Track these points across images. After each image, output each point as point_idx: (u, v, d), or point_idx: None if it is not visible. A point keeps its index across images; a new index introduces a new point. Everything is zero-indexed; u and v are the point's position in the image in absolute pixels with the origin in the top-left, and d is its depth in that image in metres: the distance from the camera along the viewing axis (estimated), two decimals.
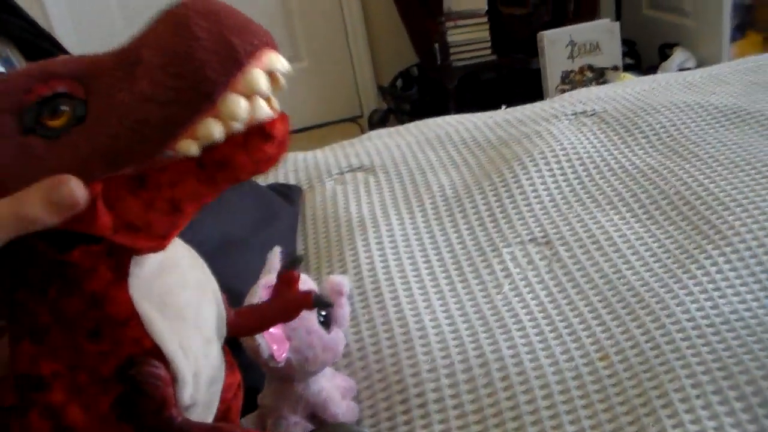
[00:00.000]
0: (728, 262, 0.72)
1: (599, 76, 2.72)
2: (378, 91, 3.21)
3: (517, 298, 0.72)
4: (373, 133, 1.24)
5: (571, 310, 0.69)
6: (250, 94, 0.40)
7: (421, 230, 0.86)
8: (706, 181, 0.86)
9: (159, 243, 0.42)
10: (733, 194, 0.83)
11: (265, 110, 0.41)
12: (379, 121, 2.99)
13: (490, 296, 0.73)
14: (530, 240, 0.81)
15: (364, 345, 0.70)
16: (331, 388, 0.63)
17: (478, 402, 0.60)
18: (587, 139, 0.99)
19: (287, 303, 0.56)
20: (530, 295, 0.72)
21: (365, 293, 0.77)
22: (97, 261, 0.42)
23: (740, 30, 2.76)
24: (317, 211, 0.96)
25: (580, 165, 0.93)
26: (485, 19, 2.80)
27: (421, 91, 3.02)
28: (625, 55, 2.91)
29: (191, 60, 0.38)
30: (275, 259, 0.67)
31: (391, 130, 1.23)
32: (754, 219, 0.78)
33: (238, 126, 0.40)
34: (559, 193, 0.88)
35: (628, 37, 2.96)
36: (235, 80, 0.39)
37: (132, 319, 0.43)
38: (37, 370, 0.42)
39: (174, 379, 0.45)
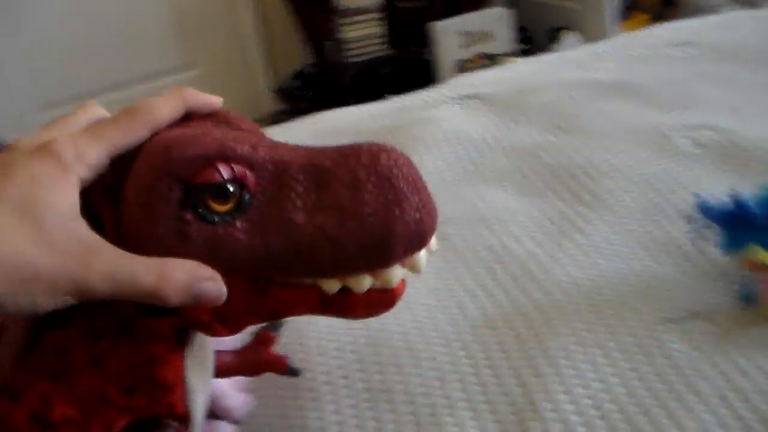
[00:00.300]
0: (609, 225, 0.74)
1: (493, 63, 2.76)
2: (275, 92, 3.19)
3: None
4: (266, 132, 1.22)
5: (459, 286, 0.70)
6: (408, 268, 0.42)
7: None
8: (587, 152, 0.87)
9: (232, 334, 0.42)
10: (613, 162, 0.85)
11: (401, 277, 0.42)
12: (272, 121, 2.97)
13: None
14: None
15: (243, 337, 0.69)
16: (224, 381, 0.62)
17: (368, 381, 0.60)
18: (474, 121, 1.00)
19: (260, 362, 0.57)
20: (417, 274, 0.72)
21: None
22: (172, 328, 0.41)
23: (626, 11, 2.84)
24: None
25: (466, 145, 0.93)
26: (379, 14, 2.81)
27: (318, 89, 3.02)
28: (518, 41, 2.96)
29: (390, 230, 0.38)
30: None
31: (285, 126, 1.22)
32: (634, 183, 0.80)
33: (378, 286, 0.41)
34: (448, 175, 0.89)
35: (521, 23, 3.02)
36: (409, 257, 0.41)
37: (177, 386, 0.42)
38: (49, 412, 0.40)
39: None
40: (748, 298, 0.61)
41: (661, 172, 0.81)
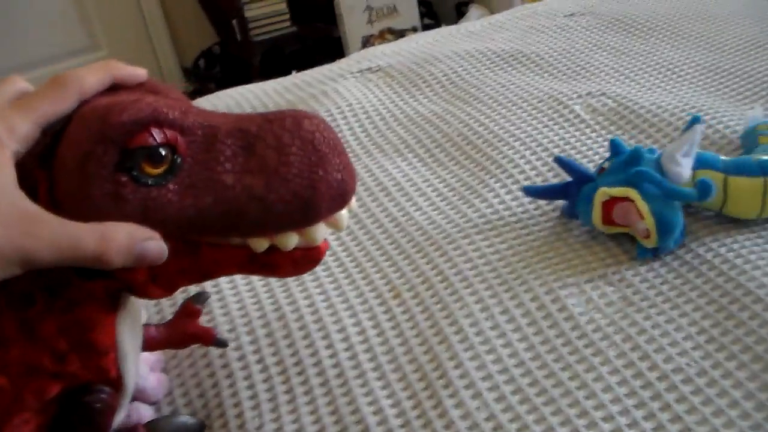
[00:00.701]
0: (509, 192, 0.76)
1: (399, 38, 2.77)
2: (183, 73, 3.15)
3: None
4: None
5: (364, 256, 0.71)
6: (331, 226, 0.44)
7: None
8: (486, 121, 0.89)
9: (168, 294, 0.44)
10: (512, 130, 0.87)
11: (325, 235, 0.44)
12: None
13: None
14: None
15: (165, 316, 0.70)
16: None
17: (278, 354, 0.61)
18: (372, 93, 1.01)
19: (186, 334, 0.58)
20: None
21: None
22: (105, 292, 0.42)
23: None
24: None
25: (366, 117, 0.95)
26: None
27: (225, 69, 2.99)
28: (423, 15, 2.98)
29: (315, 190, 0.40)
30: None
31: None
32: (532, 150, 0.82)
33: (303, 244, 0.43)
34: (346, 148, 0.90)
35: None
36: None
37: (110, 351, 0.43)
38: None
39: (120, 403, 0.45)
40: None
41: (558, 139, 0.84)
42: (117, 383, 0.44)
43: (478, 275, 0.65)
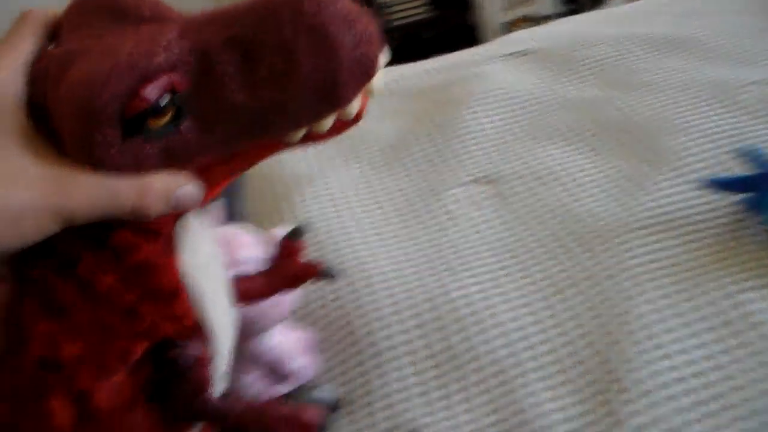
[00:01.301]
0: (675, 185, 0.70)
1: (535, 26, 2.70)
2: None
3: (462, 240, 0.69)
4: None
5: (521, 247, 0.67)
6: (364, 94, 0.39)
7: (357, 183, 0.83)
8: (645, 109, 0.84)
9: (212, 195, 0.41)
10: (674, 119, 0.81)
11: (359, 106, 0.40)
12: None
13: (434, 241, 0.70)
14: (472, 181, 0.78)
15: (322, 294, 0.67)
16: (288, 342, 0.60)
17: (431, 348, 0.58)
18: (523, 77, 0.96)
19: (290, 274, 0.54)
20: (476, 236, 0.69)
21: (320, 243, 0.73)
22: (141, 237, 0.39)
23: None
24: (255, 170, 0.92)
25: (518, 103, 0.90)
26: None
27: None
28: (562, 2, 2.89)
29: (334, 79, 0.36)
30: (218, 211, 0.63)
31: None
32: (696, 142, 0.76)
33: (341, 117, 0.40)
34: (497, 133, 0.85)
35: None
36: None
37: (180, 291, 0.40)
38: (58, 351, 0.38)
39: (212, 356, 0.42)
40: None
41: (725, 128, 0.77)
42: (199, 330, 0.41)
43: (647, 274, 0.60)
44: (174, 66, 0.36)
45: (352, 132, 0.93)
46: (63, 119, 0.36)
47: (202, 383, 0.41)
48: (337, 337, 0.60)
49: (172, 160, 0.37)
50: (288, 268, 0.54)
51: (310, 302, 0.65)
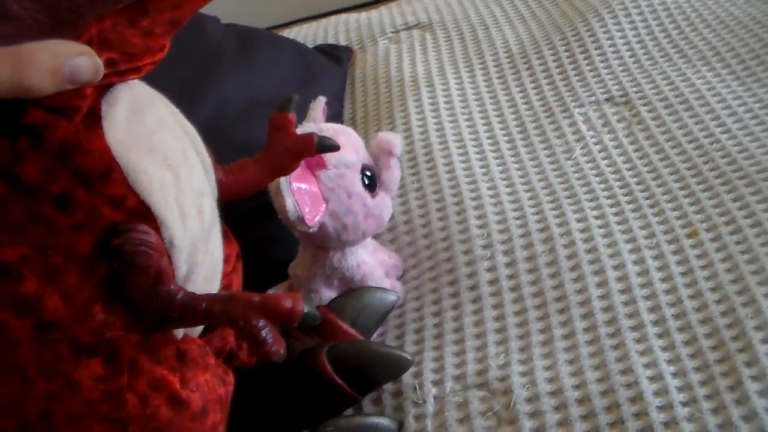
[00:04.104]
0: None
1: None
2: None
3: (589, 165, 0.62)
4: None
5: (654, 179, 0.59)
6: None
7: (481, 89, 0.76)
8: None
9: (158, 58, 0.35)
10: None
11: None
12: None
13: (558, 162, 0.63)
14: (606, 99, 0.70)
15: (411, 217, 0.62)
16: (373, 263, 0.55)
17: (539, 284, 0.51)
18: None
19: (284, 151, 0.46)
20: (605, 162, 0.62)
21: (415, 158, 0.67)
22: (57, 115, 0.34)
23: None
24: (367, 72, 0.86)
25: (666, 15, 0.80)
26: None
27: None
28: None
29: None
30: (318, 108, 0.58)
31: None
32: None
33: None
34: (641, 47, 0.76)
35: None
36: None
37: (112, 171, 0.34)
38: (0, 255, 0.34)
39: (169, 244, 0.36)
40: None
41: None
42: (148, 213, 0.35)
43: None
44: None
45: (470, 37, 0.86)
46: None
47: (159, 274, 0.35)
48: (430, 263, 0.54)
49: (51, 15, 0.32)
50: (281, 144, 0.47)
51: (398, 225, 0.59)
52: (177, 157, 0.38)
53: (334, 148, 0.47)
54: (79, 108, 0.34)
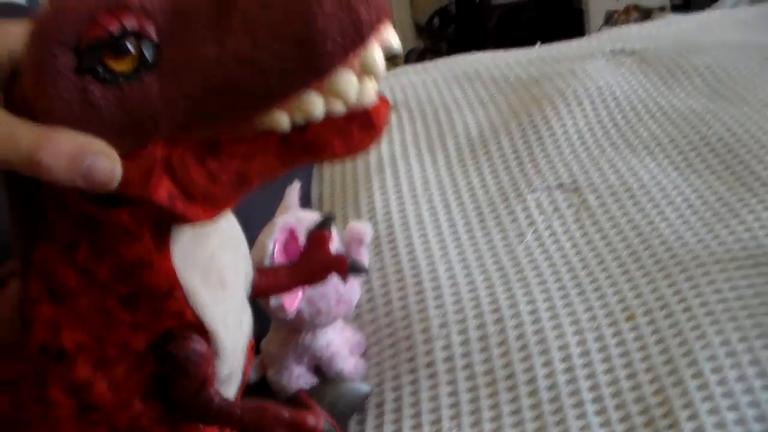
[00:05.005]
0: None
1: (645, 17, 2.61)
2: (414, 28, 3.12)
3: (539, 249, 0.67)
4: (399, 70, 1.18)
5: (598, 264, 0.64)
6: (363, 73, 0.35)
7: (441, 173, 0.81)
8: (753, 127, 0.79)
9: (213, 215, 0.37)
10: None
11: (373, 94, 0.35)
12: (416, 60, 2.91)
13: (510, 246, 0.68)
14: (557, 186, 0.75)
15: (373, 296, 0.66)
16: (340, 342, 0.59)
17: (490, 362, 0.56)
18: (625, 78, 0.92)
19: (317, 266, 0.51)
20: (554, 246, 0.67)
21: (378, 239, 0.72)
22: (142, 223, 0.36)
23: None
24: None
25: (616, 106, 0.86)
26: None
27: (459, 30, 2.94)
28: None
29: (309, 26, 0.32)
30: (294, 194, 0.62)
31: (418, 66, 1.17)
32: None
33: (340, 108, 0.35)
34: (591, 136, 0.82)
35: None
36: (353, 56, 0.34)
37: (174, 290, 0.38)
38: (59, 340, 0.37)
39: (215, 354, 0.40)
40: None
41: None
42: (196, 324, 0.39)
43: (728, 312, 0.56)
44: (147, 13, 0.34)
45: (432, 119, 0.92)
46: (25, 45, 0.34)
47: (202, 380, 0.40)
48: (390, 341, 0.58)
49: (130, 117, 0.34)
50: (316, 258, 0.51)
51: (361, 303, 0.63)
52: (230, 275, 0.42)
53: (364, 271, 0.52)
54: (136, 221, 0.36)
